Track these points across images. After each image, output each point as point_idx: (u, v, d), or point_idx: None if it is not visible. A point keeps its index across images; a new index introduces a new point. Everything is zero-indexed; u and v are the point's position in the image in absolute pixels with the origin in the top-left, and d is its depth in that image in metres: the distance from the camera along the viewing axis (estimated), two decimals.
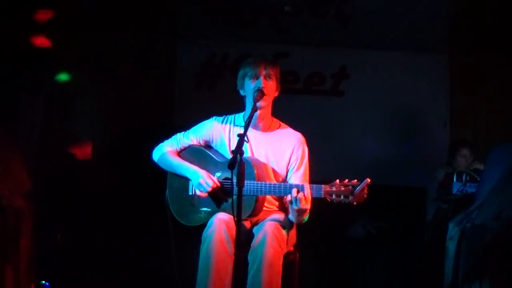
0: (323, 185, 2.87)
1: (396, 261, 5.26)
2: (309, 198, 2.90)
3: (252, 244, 2.98)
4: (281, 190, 3.01)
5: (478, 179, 4.24)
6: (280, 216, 3.16)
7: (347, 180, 2.83)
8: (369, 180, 2.79)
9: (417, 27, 5.22)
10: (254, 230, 3.11)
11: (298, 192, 2.89)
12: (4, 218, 3.48)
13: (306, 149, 3.29)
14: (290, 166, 3.24)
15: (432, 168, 5.27)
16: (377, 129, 5.90)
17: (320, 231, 5.09)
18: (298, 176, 3.22)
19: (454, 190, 4.46)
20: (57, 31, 5.17)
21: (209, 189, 3.11)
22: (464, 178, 4.45)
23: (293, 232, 3.23)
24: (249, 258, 2.96)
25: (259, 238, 2.95)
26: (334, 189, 2.83)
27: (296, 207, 2.92)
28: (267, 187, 3.00)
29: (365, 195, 2.83)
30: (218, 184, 3.13)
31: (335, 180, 2.85)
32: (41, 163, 4.71)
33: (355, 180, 2.82)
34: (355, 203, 2.82)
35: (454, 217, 3.94)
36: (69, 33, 5.42)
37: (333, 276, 5.32)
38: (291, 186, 2.96)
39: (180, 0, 5.00)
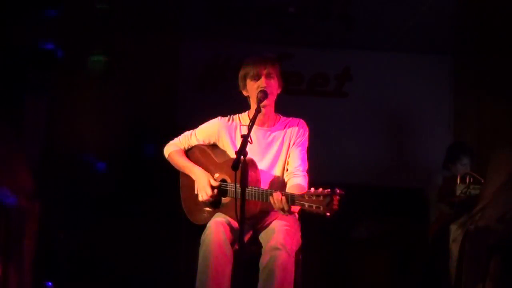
0: (296, 194, 2.82)
1: (399, 263, 5.25)
2: (280, 205, 2.86)
3: (264, 249, 2.97)
4: (255, 195, 2.97)
5: (482, 181, 4.23)
6: (290, 219, 3.15)
7: (321, 189, 2.72)
8: (338, 191, 2.65)
9: (421, 28, 5.22)
10: (263, 232, 3.11)
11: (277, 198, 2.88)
12: (7, 218, 3.49)
13: (307, 130, 3.31)
14: (291, 144, 3.27)
15: (436, 169, 5.26)
16: (380, 130, 5.90)
17: (323, 233, 5.09)
18: (296, 152, 3.25)
19: (458, 192, 4.45)
20: (60, 31, 5.18)
21: (206, 198, 3.15)
22: (467, 180, 4.43)
23: (299, 235, 3.23)
24: (261, 260, 2.95)
25: (272, 242, 2.93)
26: (306, 198, 2.74)
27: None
28: (247, 191, 2.92)
29: (335, 207, 2.66)
30: (215, 193, 3.15)
31: (311, 189, 2.76)
32: (44, 163, 4.72)
33: (328, 190, 2.68)
34: (328, 214, 2.67)
35: (457, 219, 3.94)
36: (72, 33, 5.43)
37: (336, 278, 5.32)
38: (264, 192, 2.95)
39: (183, 1, 5.01)
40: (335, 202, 2.65)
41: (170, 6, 5.08)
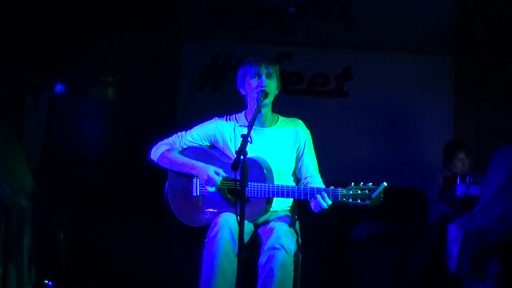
0: (339, 189, 2.90)
1: (398, 263, 5.25)
2: (325, 204, 2.91)
3: (263, 248, 2.97)
4: (296, 193, 3.01)
5: (482, 181, 4.23)
6: (289, 218, 3.16)
7: (362, 183, 2.88)
8: (386, 184, 2.83)
9: (421, 28, 5.22)
10: (262, 232, 3.11)
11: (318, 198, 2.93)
12: (7, 217, 3.49)
13: (308, 131, 3.33)
14: (299, 151, 3.27)
15: (436, 169, 5.27)
16: (380, 130, 5.90)
17: (322, 232, 5.09)
18: (308, 158, 3.28)
19: (458, 192, 4.45)
20: (61, 31, 5.18)
21: (220, 178, 3.09)
22: (467, 180, 4.43)
23: (298, 235, 3.23)
24: (260, 260, 2.95)
25: (271, 242, 2.94)
26: (350, 192, 2.87)
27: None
28: (279, 189, 3.00)
29: (381, 199, 2.86)
30: (225, 174, 3.12)
31: (350, 183, 2.89)
32: (44, 163, 4.72)
33: (371, 184, 2.87)
34: (370, 206, 2.86)
35: (457, 219, 3.94)
36: (73, 33, 5.43)
37: (336, 278, 5.31)
38: (304, 190, 2.98)
39: (184, 1, 5.01)
40: (382, 195, 2.85)
41: (170, 6, 5.08)
